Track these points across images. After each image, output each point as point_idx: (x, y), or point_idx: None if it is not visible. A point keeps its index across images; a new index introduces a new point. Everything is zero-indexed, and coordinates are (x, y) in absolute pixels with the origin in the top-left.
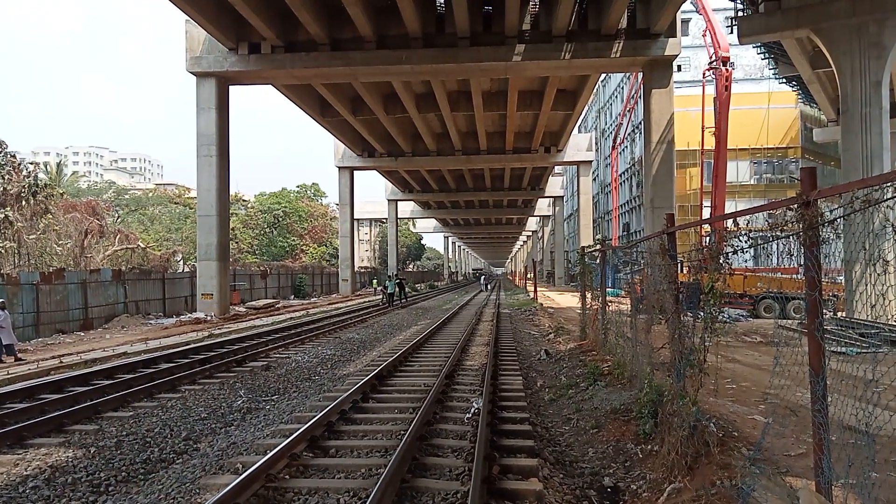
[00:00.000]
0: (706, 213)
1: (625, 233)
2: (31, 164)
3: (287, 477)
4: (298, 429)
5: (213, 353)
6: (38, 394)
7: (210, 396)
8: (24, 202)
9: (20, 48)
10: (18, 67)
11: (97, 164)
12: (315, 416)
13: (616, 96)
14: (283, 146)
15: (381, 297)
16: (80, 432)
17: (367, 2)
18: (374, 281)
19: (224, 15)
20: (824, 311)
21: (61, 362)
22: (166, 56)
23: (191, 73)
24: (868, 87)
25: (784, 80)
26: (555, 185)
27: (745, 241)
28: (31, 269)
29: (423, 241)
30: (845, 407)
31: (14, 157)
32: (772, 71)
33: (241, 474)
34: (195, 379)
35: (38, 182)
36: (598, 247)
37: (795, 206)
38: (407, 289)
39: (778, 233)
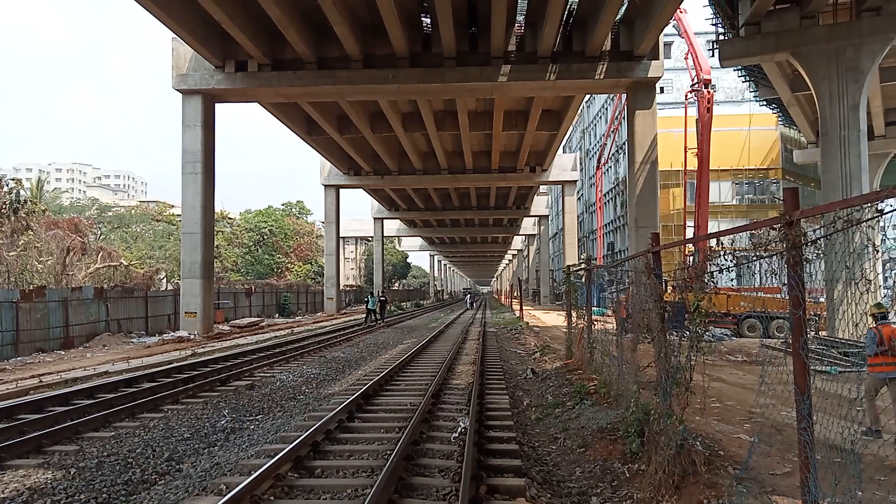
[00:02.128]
0: (690, 233)
1: (609, 252)
2: (13, 180)
3: (272, 498)
4: (283, 449)
5: (196, 373)
6: (17, 414)
7: (193, 416)
8: (4, 219)
9: (5, 61)
10: (4, 81)
11: (80, 180)
12: (300, 436)
13: (600, 117)
14: (269, 163)
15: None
16: (59, 453)
17: (354, 21)
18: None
19: (211, 33)
20: (808, 330)
21: (41, 382)
22: (153, 72)
23: (177, 90)
24: (846, 111)
25: (764, 103)
26: (540, 205)
27: (730, 261)
28: (11, 286)
29: (409, 260)
30: (830, 425)
31: None
32: (752, 93)
33: (224, 495)
34: (178, 398)
35: (20, 198)
36: (583, 266)
37: (779, 225)
38: (391, 307)
39: (762, 252)
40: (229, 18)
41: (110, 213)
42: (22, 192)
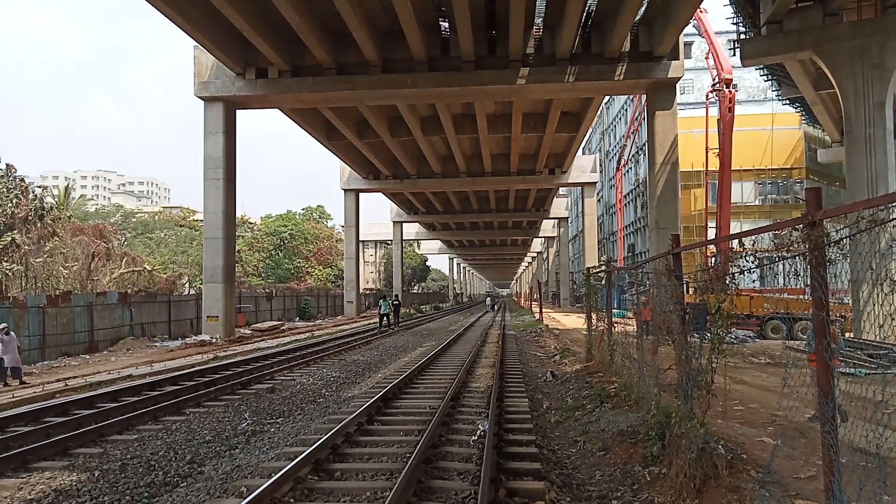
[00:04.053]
0: (711, 234)
1: (630, 254)
2: (39, 187)
3: (292, 500)
4: (303, 451)
5: (217, 376)
6: (43, 417)
7: (215, 419)
8: (31, 225)
9: (33, 73)
10: (32, 91)
11: (105, 187)
12: (320, 439)
13: (620, 118)
14: (289, 168)
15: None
16: (84, 455)
17: (372, 27)
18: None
19: (232, 41)
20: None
21: (66, 385)
22: (176, 81)
23: (199, 97)
24: (871, 109)
25: (787, 102)
26: (559, 207)
27: (752, 262)
28: (38, 291)
29: (428, 263)
30: (855, 429)
31: (22, 180)
32: (775, 92)
33: (245, 497)
34: (200, 402)
35: (45, 205)
36: (603, 268)
37: (801, 226)
38: (409, 310)
39: (784, 253)
40: (250, 26)
41: (134, 219)
42: (49, 199)
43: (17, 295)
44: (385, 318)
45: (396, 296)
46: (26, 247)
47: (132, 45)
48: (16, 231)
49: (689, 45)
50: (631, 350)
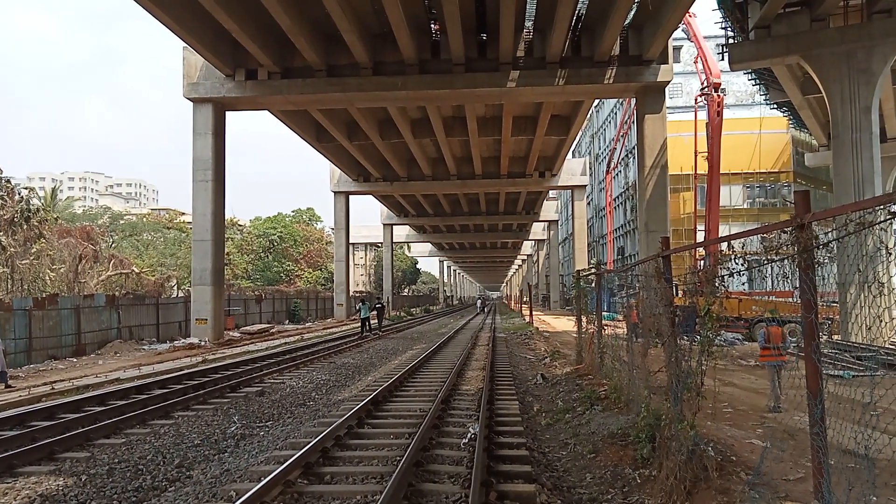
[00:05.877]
0: (700, 237)
1: (619, 256)
2: (26, 188)
3: None
4: (293, 455)
5: (206, 379)
6: (29, 421)
7: (203, 423)
8: (17, 227)
9: (26, 74)
10: (25, 92)
11: (93, 189)
12: (310, 442)
13: (609, 122)
14: (280, 170)
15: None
16: (71, 460)
17: (363, 29)
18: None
19: (221, 42)
20: (820, 334)
21: (53, 389)
22: (165, 83)
23: (188, 98)
24: (858, 113)
25: (775, 106)
26: (549, 210)
27: (741, 265)
28: (24, 294)
29: (418, 266)
30: (844, 430)
31: (8, 181)
32: (763, 97)
33: (234, 502)
34: (189, 405)
35: (32, 207)
36: (593, 271)
37: (790, 228)
38: (399, 312)
39: (773, 256)
40: (240, 28)
41: (122, 221)
42: (36, 200)
43: (3, 297)
44: (366, 323)
45: (378, 299)
46: (12, 249)
47: (125, 47)
48: (1, 233)
49: (678, 49)
50: (621, 353)
